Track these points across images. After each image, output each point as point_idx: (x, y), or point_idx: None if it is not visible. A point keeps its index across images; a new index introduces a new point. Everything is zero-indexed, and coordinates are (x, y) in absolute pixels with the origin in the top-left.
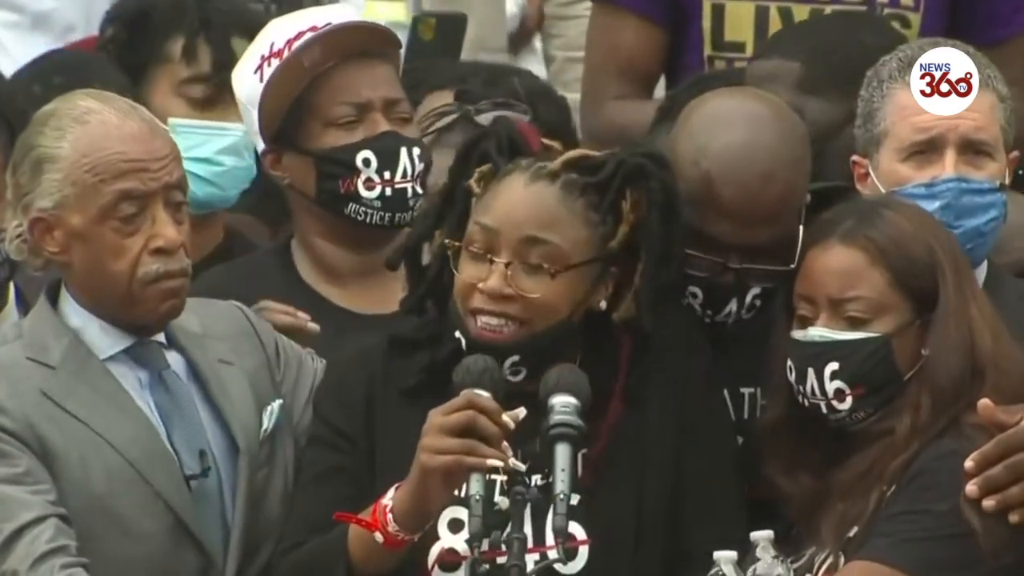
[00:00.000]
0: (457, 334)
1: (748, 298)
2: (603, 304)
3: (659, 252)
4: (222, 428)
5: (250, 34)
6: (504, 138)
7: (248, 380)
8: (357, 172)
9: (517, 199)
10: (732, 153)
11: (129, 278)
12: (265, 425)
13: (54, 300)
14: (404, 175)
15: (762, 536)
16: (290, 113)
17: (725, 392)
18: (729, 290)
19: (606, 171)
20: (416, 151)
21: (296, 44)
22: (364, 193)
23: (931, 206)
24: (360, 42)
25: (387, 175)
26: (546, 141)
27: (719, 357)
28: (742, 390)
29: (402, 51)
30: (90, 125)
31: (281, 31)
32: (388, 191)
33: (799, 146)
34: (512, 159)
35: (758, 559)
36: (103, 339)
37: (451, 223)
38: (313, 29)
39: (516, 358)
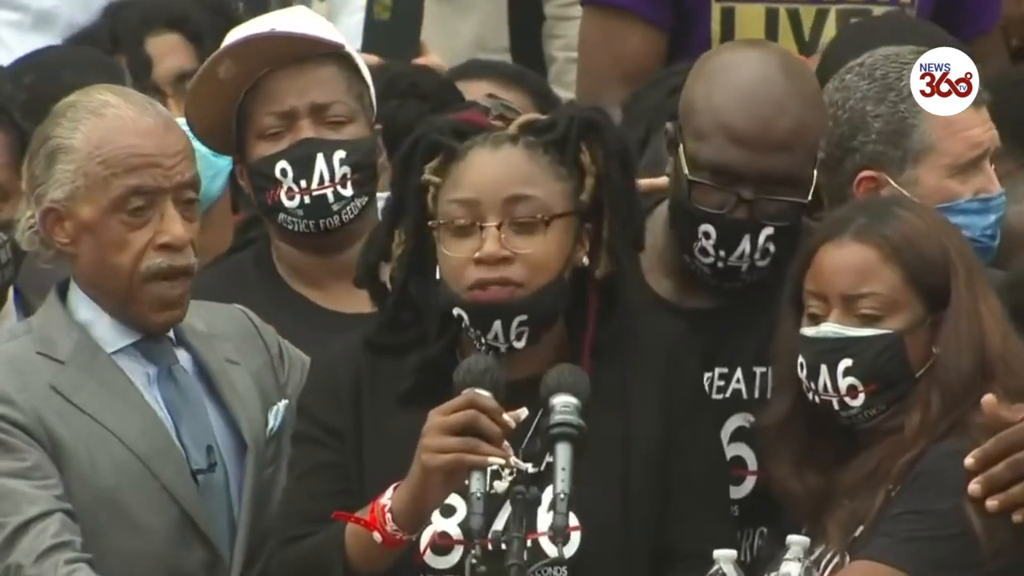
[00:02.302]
0: (456, 311)
1: (761, 238)
2: (585, 260)
3: (623, 202)
4: (229, 425)
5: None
6: (446, 127)
7: (253, 380)
8: (279, 183)
9: (489, 166)
10: (744, 86)
11: (131, 272)
12: (271, 424)
13: (64, 295)
14: (321, 181)
15: (796, 540)
16: (238, 126)
17: (739, 371)
18: (742, 227)
19: (560, 127)
20: (339, 154)
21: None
22: (287, 203)
23: (987, 220)
24: (282, 51)
25: (303, 184)
26: (493, 122)
27: (733, 335)
28: (755, 369)
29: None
30: (105, 118)
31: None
32: (307, 199)
33: (810, 89)
34: (461, 141)
35: (783, 560)
36: (111, 333)
37: (410, 229)
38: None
39: (524, 317)
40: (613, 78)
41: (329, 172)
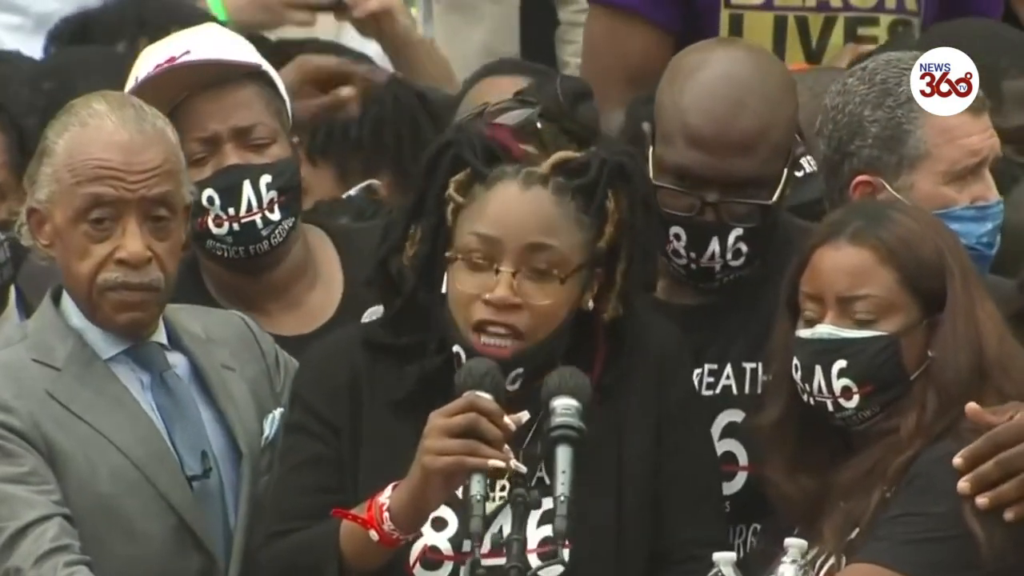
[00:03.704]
0: (456, 348)
1: (730, 239)
2: (591, 304)
3: (643, 249)
4: (224, 431)
5: (185, 24)
6: (477, 144)
7: (249, 387)
8: (206, 211)
9: (515, 206)
10: (706, 85)
11: (90, 282)
12: (266, 432)
13: (57, 300)
14: (249, 208)
15: (794, 543)
16: None
17: (729, 367)
18: (710, 229)
19: (592, 172)
20: (265, 178)
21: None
22: (215, 230)
23: (983, 228)
24: (200, 77)
25: (231, 211)
26: (522, 146)
27: (723, 332)
28: (744, 365)
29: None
30: (87, 128)
31: (144, 64)
32: (236, 226)
33: (778, 86)
34: (489, 164)
35: (779, 563)
36: (103, 340)
37: (426, 233)
38: (170, 60)
39: (520, 370)
40: (618, 80)
41: (257, 198)
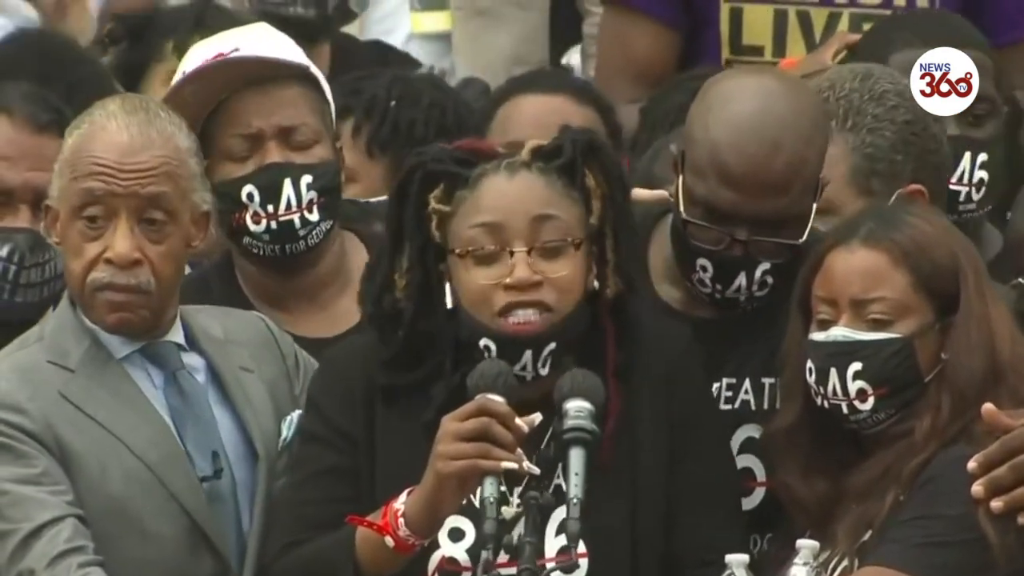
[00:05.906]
0: (484, 342)
1: (757, 273)
2: (596, 283)
3: (626, 222)
4: (241, 433)
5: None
6: (446, 156)
7: (267, 389)
8: (244, 207)
9: (509, 190)
10: (740, 121)
11: (82, 280)
12: (284, 435)
13: (76, 301)
14: (288, 206)
15: (806, 545)
16: (201, 145)
17: (747, 382)
18: (738, 263)
19: (567, 152)
20: (306, 179)
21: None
22: (252, 227)
23: None
24: (248, 73)
25: (270, 208)
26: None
27: (741, 346)
28: (763, 380)
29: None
30: (93, 127)
31: (192, 59)
32: (273, 224)
33: (811, 121)
34: (467, 169)
35: (792, 564)
36: (117, 339)
37: (413, 259)
38: (219, 56)
39: (553, 346)
40: (625, 77)
41: (296, 197)
